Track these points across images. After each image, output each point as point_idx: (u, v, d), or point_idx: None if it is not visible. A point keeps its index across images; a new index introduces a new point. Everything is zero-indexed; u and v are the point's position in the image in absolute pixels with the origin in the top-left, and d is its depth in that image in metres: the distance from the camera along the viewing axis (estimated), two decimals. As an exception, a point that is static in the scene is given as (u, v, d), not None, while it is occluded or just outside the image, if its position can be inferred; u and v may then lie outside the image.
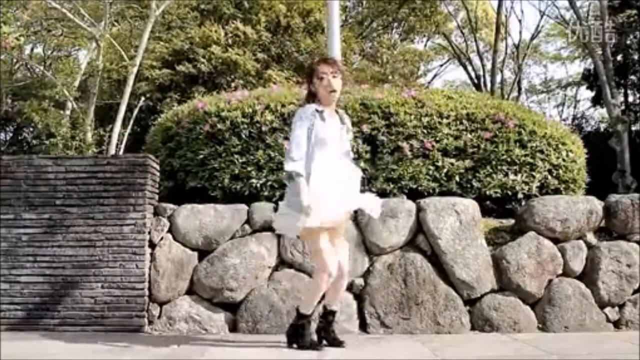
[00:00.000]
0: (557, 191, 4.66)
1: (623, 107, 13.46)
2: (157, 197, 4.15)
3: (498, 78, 18.31)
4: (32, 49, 14.52)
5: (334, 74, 3.16)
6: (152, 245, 3.93)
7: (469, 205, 4.00)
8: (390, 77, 14.82)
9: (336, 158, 3.16)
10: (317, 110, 3.15)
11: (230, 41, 10.36)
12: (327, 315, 3.31)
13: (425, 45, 21.37)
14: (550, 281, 3.92)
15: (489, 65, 19.26)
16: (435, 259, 3.92)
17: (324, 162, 3.08)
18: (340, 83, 3.22)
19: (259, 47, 10.86)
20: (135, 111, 8.39)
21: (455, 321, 3.80)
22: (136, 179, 3.91)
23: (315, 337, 3.27)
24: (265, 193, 4.29)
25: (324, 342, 3.28)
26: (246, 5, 11.22)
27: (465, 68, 20.23)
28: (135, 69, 8.22)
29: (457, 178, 4.40)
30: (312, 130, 3.10)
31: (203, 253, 3.95)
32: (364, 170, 4.27)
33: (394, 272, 3.86)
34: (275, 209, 3.89)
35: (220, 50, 10.11)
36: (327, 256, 3.10)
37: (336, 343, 3.27)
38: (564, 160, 4.73)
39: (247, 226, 4.01)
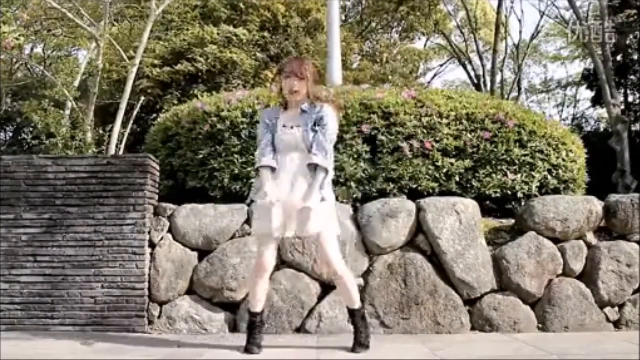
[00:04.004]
0: (557, 191, 4.66)
1: (623, 107, 13.46)
2: (157, 197, 4.15)
3: (498, 78, 18.32)
4: (32, 49, 14.52)
5: (287, 74, 3.17)
6: (152, 245, 3.93)
7: (469, 205, 4.00)
8: (390, 77, 14.81)
9: (295, 164, 3.12)
10: (273, 117, 3.23)
11: (226, 41, 10.36)
12: (349, 316, 3.28)
13: (425, 45, 21.41)
14: (550, 281, 3.92)
15: (489, 65, 19.29)
16: (435, 259, 3.93)
17: (283, 170, 3.13)
18: (301, 83, 3.16)
19: (258, 47, 10.87)
20: (136, 110, 8.38)
21: (455, 321, 3.81)
22: (136, 179, 3.91)
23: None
24: (265, 193, 4.28)
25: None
26: (242, 7, 11.23)
27: (465, 68, 20.26)
28: (135, 69, 8.21)
29: (457, 178, 4.40)
30: (274, 136, 3.19)
31: (203, 253, 3.95)
32: (364, 170, 4.29)
33: (394, 272, 3.86)
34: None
35: (217, 50, 10.12)
36: (258, 260, 3.19)
37: (352, 348, 3.17)
38: (564, 160, 4.72)
39: (247, 226, 4.01)
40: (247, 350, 3.18)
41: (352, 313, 3.25)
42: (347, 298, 3.26)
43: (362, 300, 3.81)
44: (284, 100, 3.30)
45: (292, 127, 3.16)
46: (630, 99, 15.29)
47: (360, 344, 3.18)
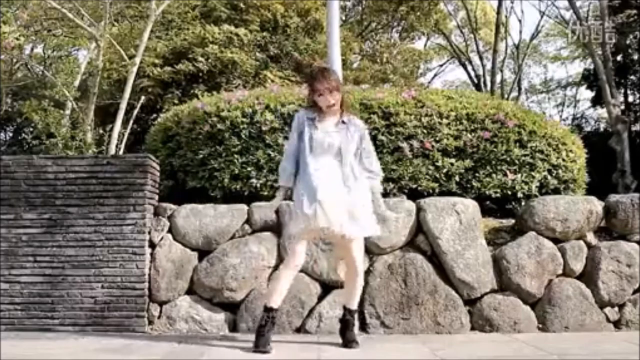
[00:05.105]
0: (557, 191, 4.66)
1: (623, 107, 13.46)
2: (157, 197, 4.15)
3: (498, 78, 18.33)
4: (32, 49, 14.50)
5: (328, 89, 3.23)
6: (152, 245, 3.93)
7: (469, 205, 4.00)
8: (390, 77, 14.80)
9: (331, 167, 3.22)
10: (308, 118, 3.30)
11: (227, 41, 10.37)
12: (344, 314, 3.40)
13: (425, 45, 21.40)
14: (550, 281, 3.92)
15: (489, 65, 19.30)
16: (435, 259, 3.93)
17: (324, 171, 3.20)
18: (336, 95, 3.27)
19: (258, 47, 10.87)
20: (136, 110, 8.38)
21: (455, 321, 3.81)
22: (136, 179, 3.91)
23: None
24: (265, 193, 4.30)
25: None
26: (242, 6, 11.24)
27: (465, 68, 20.27)
28: (135, 68, 8.22)
29: (457, 178, 4.40)
30: (304, 138, 3.26)
31: (203, 253, 3.96)
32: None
33: (394, 272, 3.86)
34: (275, 210, 3.98)
35: (218, 49, 10.13)
36: (294, 255, 3.23)
37: (347, 344, 3.30)
38: (563, 160, 4.73)
39: (247, 226, 4.01)
40: (261, 348, 3.15)
41: (349, 312, 3.38)
42: (351, 298, 3.39)
43: (362, 300, 3.83)
44: (315, 103, 3.34)
45: (329, 132, 3.27)
46: (630, 99, 15.30)
47: (354, 339, 3.33)
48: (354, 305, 3.39)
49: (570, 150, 4.83)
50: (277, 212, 3.97)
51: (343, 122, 3.31)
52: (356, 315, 3.47)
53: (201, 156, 4.50)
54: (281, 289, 3.28)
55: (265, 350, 3.13)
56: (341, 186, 3.21)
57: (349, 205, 3.18)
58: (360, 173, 3.31)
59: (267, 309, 3.24)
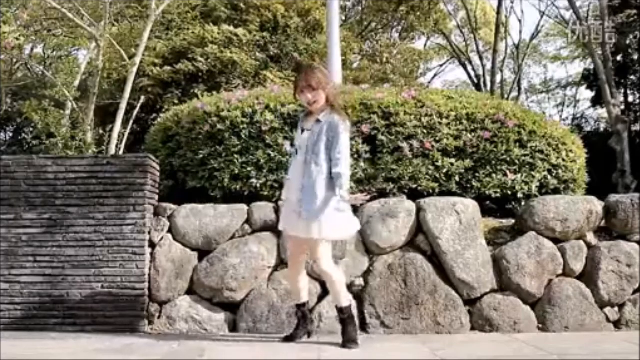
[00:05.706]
0: (557, 191, 4.66)
1: (623, 107, 13.46)
2: (157, 197, 4.15)
3: (498, 78, 18.31)
4: (32, 49, 14.50)
5: (309, 87, 3.27)
6: (152, 245, 3.93)
7: (469, 205, 4.00)
8: (391, 77, 14.79)
9: (299, 167, 3.30)
10: (301, 118, 3.49)
11: (226, 41, 10.37)
12: (338, 314, 3.42)
13: (425, 45, 21.39)
14: (550, 281, 3.92)
15: (489, 65, 19.29)
16: (435, 259, 3.93)
17: (292, 170, 3.40)
18: (318, 93, 3.27)
19: (258, 47, 10.87)
20: (136, 110, 8.38)
21: (455, 321, 3.81)
22: (136, 179, 3.91)
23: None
24: (265, 193, 4.29)
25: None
26: (242, 6, 11.24)
27: (465, 68, 20.25)
28: (135, 68, 8.22)
29: (456, 178, 4.39)
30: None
31: (203, 253, 3.96)
32: (364, 170, 4.29)
33: (394, 272, 3.86)
34: (275, 209, 4.00)
35: (217, 50, 10.13)
36: (287, 252, 3.59)
37: (347, 344, 3.30)
38: (563, 160, 4.72)
39: (247, 226, 4.01)
40: (288, 338, 3.50)
41: (339, 310, 3.38)
42: (335, 296, 3.42)
43: (362, 300, 3.83)
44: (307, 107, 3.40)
45: (303, 131, 3.36)
46: (630, 99, 15.29)
47: (350, 339, 3.31)
48: (340, 303, 3.36)
49: (570, 150, 4.82)
50: (276, 212, 3.97)
51: (318, 120, 3.29)
52: (352, 313, 3.40)
53: (201, 156, 4.50)
54: (291, 285, 3.59)
55: (289, 339, 3.48)
56: (300, 187, 3.25)
57: (300, 207, 3.21)
58: (323, 174, 3.20)
59: (296, 305, 3.54)
